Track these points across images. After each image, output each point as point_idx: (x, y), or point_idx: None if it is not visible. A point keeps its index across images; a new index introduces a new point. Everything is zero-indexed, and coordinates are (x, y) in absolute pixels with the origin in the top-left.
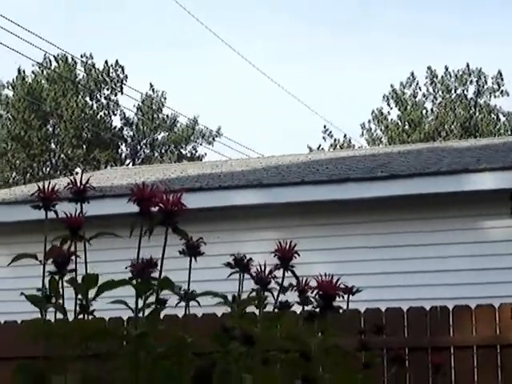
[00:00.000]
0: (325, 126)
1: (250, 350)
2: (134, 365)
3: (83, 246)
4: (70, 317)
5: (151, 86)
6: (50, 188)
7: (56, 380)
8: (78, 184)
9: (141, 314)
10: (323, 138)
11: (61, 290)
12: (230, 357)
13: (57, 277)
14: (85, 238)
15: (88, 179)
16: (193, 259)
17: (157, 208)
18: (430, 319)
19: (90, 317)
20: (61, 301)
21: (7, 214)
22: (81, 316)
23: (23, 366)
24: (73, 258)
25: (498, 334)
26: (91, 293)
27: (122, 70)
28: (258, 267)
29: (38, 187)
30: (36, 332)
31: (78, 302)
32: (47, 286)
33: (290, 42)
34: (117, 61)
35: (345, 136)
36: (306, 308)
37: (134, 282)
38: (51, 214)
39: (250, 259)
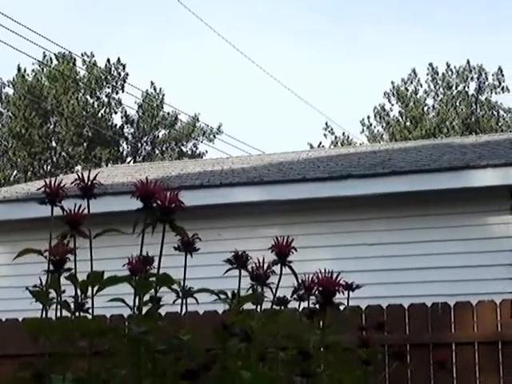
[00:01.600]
0: (326, 123)
1: (248, 347)
2: (135, 362)
3: (89, 244)
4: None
5: (152, 83)
6: (56, 184)
7: (55, 379)
8: (86, 180)
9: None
10: (324, 134)
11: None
12: (228, 354)
13: (56, 274)
14: (90, 234)
15: (96, 176)
16: (188, 256)
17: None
18: (431, 316)
19: (87, 314)
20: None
21: (8, 212)
22: (78, 314)
23: (25, 365)
24: (71, 254)
25: (500, 330)
26: (90, 290)
27: (124, 68)
28: (256, 264)
29: (45, 182)
30: (36, 330)
31: (73, 299)
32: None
33: (291, 38)
34: (118, 59)
35: (343, 134)
36: (305, 304)
37: (136, 278)
38: (55, 211)
39: (248, 256)
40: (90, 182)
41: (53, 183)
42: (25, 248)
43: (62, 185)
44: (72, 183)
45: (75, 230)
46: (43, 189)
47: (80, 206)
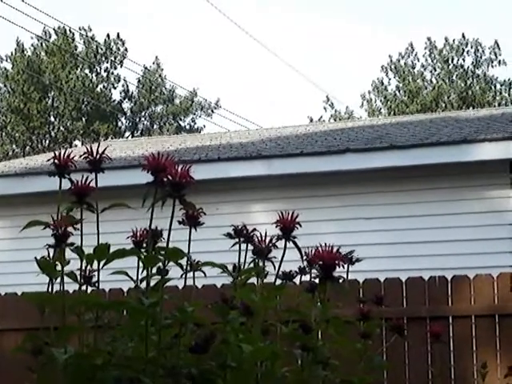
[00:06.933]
0: (327, 97)
1: (250, 321)
2: (143, 334)
3: (96, 217)
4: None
5: (150, 58)
6: (65, 156)
7: (56, 351)
8: (94, 154)
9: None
10: (324, 108)
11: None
12: (229, 327)
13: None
14: (97, 208)
15: (105, 149)
16: (192, 230)
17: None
18: (428, 289)
19: (94, 288)
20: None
21: (7, 187)
22: (86, 287)
23: (30, 337)
24: (75, 229)
25: (497, 303)
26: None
27: (123, 43)
28: (258, 238)
29: (54, 154)
30: (38, 303)
31: (80, 273)
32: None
33: (290, 12)
34: (118, 34)
35: (347, 108)
36: (307, 277)
37: (144, 252)
38: (49, 187)
39: (254, 230)
40: (98, 156)
41: (62, 155)
42: (31, 221)
43: (71, 157)
44: (80, 157)
45: (82, 203)
46: (52, 160)
47: (87, 178)
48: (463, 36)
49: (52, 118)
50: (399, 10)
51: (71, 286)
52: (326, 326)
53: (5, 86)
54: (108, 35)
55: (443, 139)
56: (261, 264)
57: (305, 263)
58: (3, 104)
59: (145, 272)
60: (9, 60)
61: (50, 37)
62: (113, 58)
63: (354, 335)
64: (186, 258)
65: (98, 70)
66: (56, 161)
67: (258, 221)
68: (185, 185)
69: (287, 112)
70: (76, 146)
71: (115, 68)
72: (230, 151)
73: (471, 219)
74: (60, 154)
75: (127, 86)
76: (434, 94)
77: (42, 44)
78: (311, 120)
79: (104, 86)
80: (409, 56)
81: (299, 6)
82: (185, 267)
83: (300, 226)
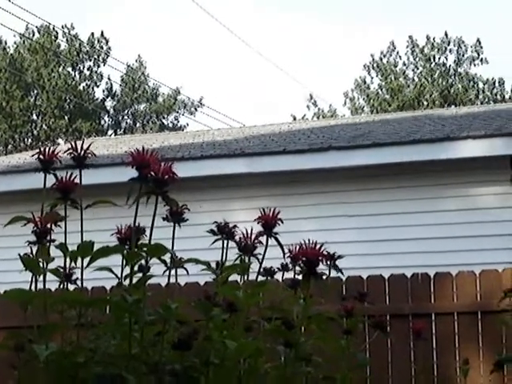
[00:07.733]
0: (310, 95)
1: (233, 318)
2: (126, 332)
3: (80, 215)
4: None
5: (134, 56)
6: (51, 151)
7: (37, 348)
8: (79, 150)
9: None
10: (307, 106)
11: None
12: (212, 324)
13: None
14: (81, 205)
15: (89, 145)
16: (176, 226)
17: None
18: (411, 286)
19: (75, 286)
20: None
21: None
22: (65, 284)
23: (12, 334)
24: (55, 226)
25: (479, 300)
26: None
27: (107, 42)
28: (243, 235)
29: (40, 150)
30: (19, 301)
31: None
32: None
33: (273, 13)
34: (102, 33)
35: (330, 106)
36: (289, 274)
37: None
38: (32, 184)
39: (235, 226)
40: (83, 152)
41: (47, 151)
42: (15, 216)
43: (56, 152)
44: (64, 153)
45: (67, 200)
46: (37, 156)
47: (71, 175)
48: (446, 34)
49: (34, 116)
50: (381, 8)
51: (55, 285)
52: (308, 322)
53: None
54: (92, 34)
55: (426, 137)
56: (246, 260)
57: (287, 260)
58: None
59: (128, 269)
60: None
61: (32, 35)
62: (96, 57)
63: (337, 332)
64: (169, 255)
65: (81, 68)
66: (41, 156)
67: (241, 218)
68: (167, 181)
69: (270, 110)
70: (59, 144)
71: (98, 66)
72: (213, 149)
73: (451, 216)
74: (45, 149)
75: (110, 84)
76: (416, 93)
77: (24, 42)
78: (294, 118)
79: (87, 84)
80: (391, 54)
81: (282, 5)
82: (168, 264)
83: (282, 222)
